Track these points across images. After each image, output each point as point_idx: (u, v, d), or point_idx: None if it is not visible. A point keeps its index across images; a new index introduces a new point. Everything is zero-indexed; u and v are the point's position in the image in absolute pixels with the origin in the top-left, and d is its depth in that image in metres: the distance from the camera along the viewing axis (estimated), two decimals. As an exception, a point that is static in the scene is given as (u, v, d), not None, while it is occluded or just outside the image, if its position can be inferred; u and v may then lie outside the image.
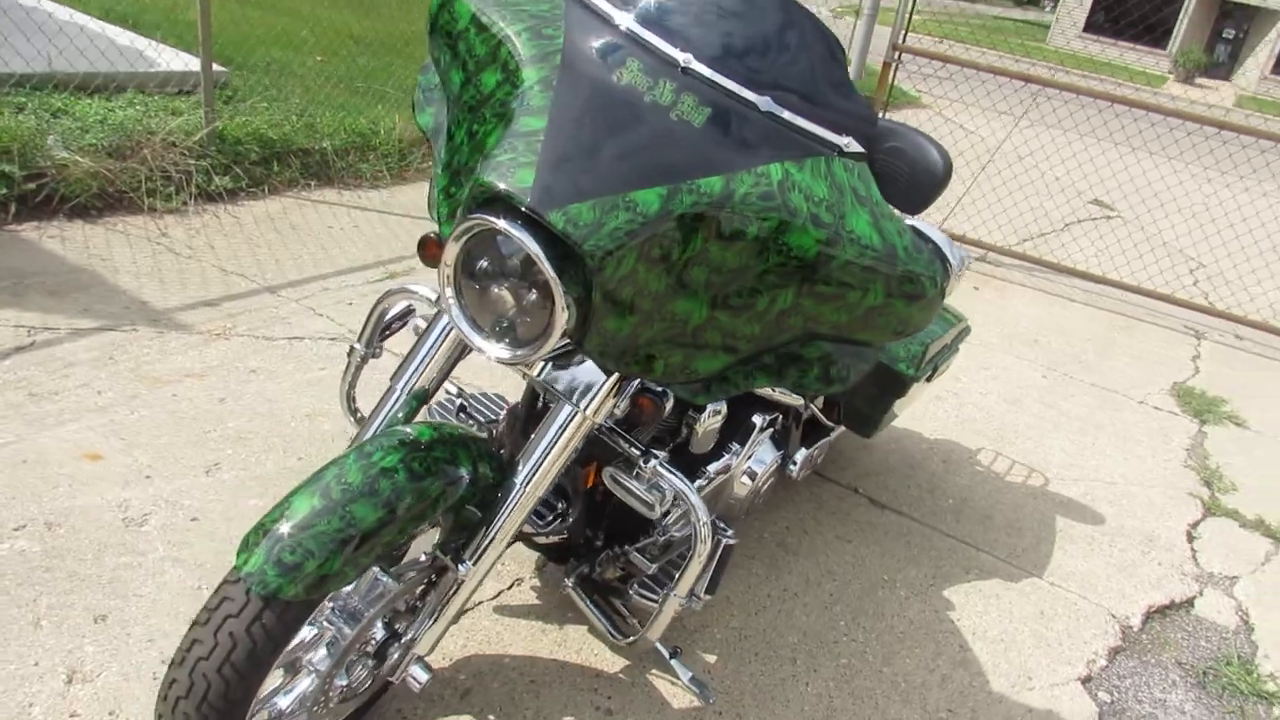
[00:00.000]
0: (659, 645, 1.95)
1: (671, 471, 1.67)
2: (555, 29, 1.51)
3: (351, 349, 1.99)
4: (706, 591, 1.84)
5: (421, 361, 1.73)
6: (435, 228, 1.65)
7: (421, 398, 1.75)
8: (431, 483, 1.47)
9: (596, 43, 1.49)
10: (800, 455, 2.40)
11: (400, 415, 1.72)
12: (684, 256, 1.38)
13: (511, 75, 1.48)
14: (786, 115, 1.43)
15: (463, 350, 1.79)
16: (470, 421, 2.12)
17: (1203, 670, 2.45)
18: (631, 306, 1.36)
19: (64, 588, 2.02)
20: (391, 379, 1.75)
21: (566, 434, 1.58)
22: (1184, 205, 7.67)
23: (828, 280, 1.41)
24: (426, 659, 1.68)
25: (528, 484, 1.58)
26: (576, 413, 1.57)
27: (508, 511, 1.58)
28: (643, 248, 1.32)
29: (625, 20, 1.50)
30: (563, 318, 1.35)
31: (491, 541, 1.58)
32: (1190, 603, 2.72)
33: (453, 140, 1.63)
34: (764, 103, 1.43)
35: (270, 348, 3.08)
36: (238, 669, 1.33)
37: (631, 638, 1.94)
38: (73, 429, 2.51)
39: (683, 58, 1.45)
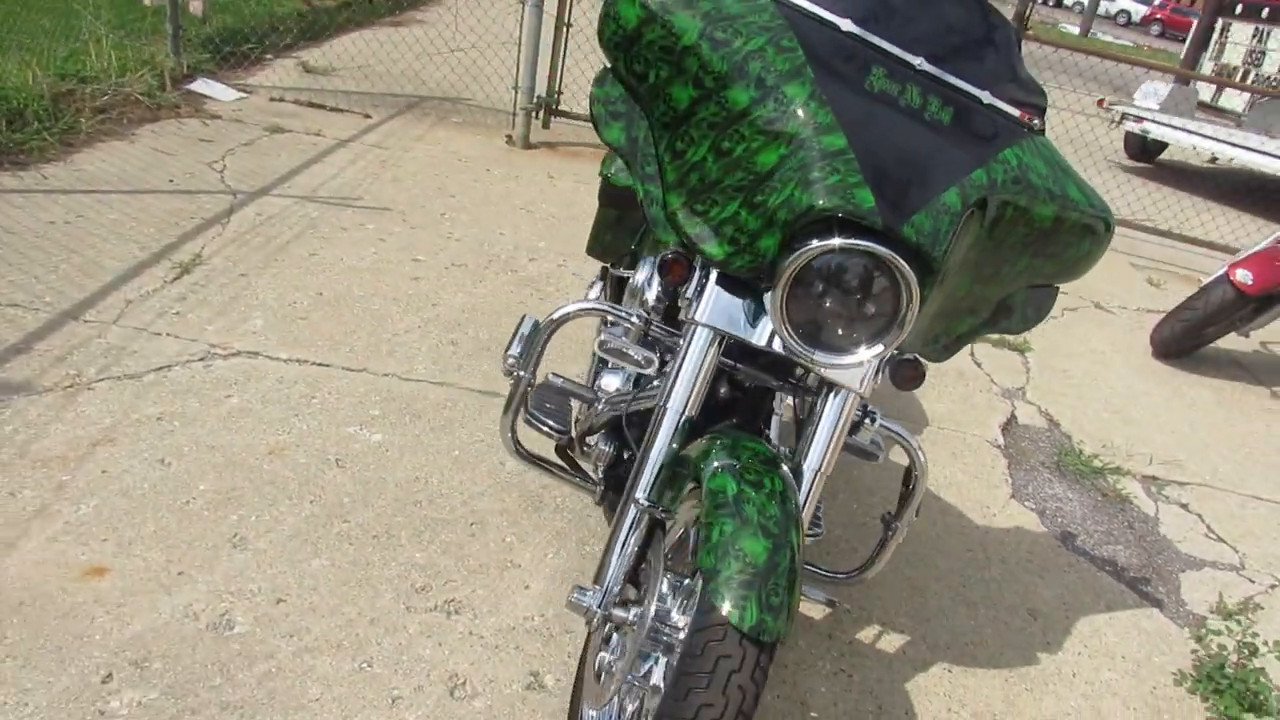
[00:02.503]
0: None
1: (894, 425, 1.89)
2: (790, 39, 1.57)
3: (518, 378, 1.90)
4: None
5: (689, 385, 1.69)
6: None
7: (691, 420, 1.72)
8: (793, 495, 1.56)
9: (835, 51, 1.59)
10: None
11: (674, 444, 1.67)
12: (968, 242, 1.61)
13: (771, 91, 1.53)
14: (1001, 105, 1.68)
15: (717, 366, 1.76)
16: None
17: (1055, 465, 3.27)
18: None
19: (232, 722, 1.75)
20: (657, 404, 1.71)
21: (844, 417, 1.72)
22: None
23: (1057, 242, 1.73)
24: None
25: (815, 474, 1.71)
26: (851, 395, 1.71)
27: (809, 503, 1.70)
28: (954, 243, 1.52)
29: (845, 23, 1.61)
30: (913, 317, 1.52)
31: None
32: (1014, 416, 3.55)
33: (682, 157, 1.64)
34: (985, 96, 1.67)
35: (148, 388, 2.61)
36: (749, 716, 1.39)
37: (864, 571, 2.08)
38: (36, 549, 2.02)
39: (916, 60, 1.61)
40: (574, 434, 2.11)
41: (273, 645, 1.92)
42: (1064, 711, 2.18)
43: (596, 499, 2.14)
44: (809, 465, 1.70)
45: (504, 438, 2.02)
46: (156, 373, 2.69)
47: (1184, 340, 4.26)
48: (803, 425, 1.82)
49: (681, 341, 1.71)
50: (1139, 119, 8.21)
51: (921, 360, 1.85)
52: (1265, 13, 10.59)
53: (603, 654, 1.71)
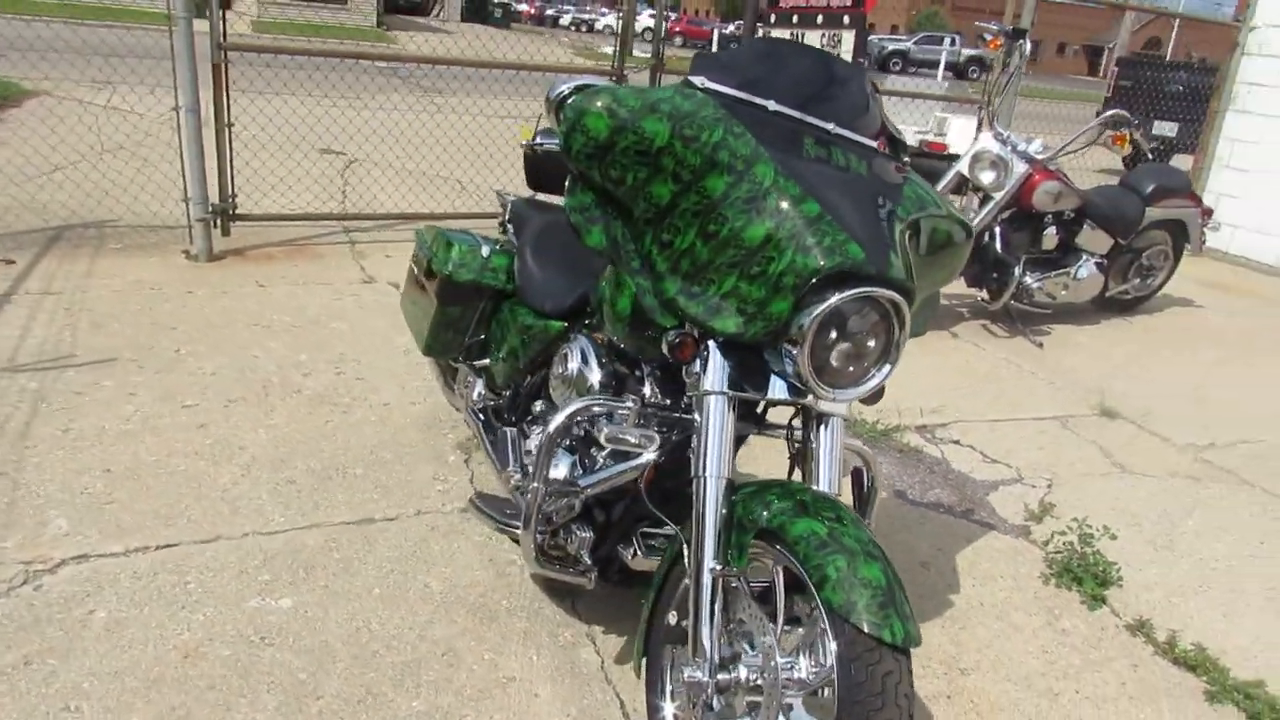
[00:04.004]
0: None
1: (851, 440, 2.13)
2: (739, 126, 1.78)
3: (533, 491, 1.89)
4: None
5: (719, 450, 1.79)
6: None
7: (731, 482, 1.81)
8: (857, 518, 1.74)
9: (770, 129, 1.81)
10: None
11: (724, 510, 1.76)
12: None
13: (743, 175, 1.73)
14: (883, 149, 2.00)
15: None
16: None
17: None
18: None
19: None
20: (696, 475, 1.79)
21: (840, 441, 1.93)
22: (389, 133, 8.65)
23: (951, 251, 2.06)
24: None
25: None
26: (841, 421, 1.92)
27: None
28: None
29: (771, 104, 1.84)
30: (905, 341, 1.79)
31: None
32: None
33: (670, 247, 1.77)
34: (875, 145, 1.97)
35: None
36: (914, 716, 1.56)
37: None
38: None
39: (830, 126, 1.88)
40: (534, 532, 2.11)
41: None
42: (995, 634, 2.57)
43: (590, 584, 2.17)
44: (822, 487, 1.89)
45: (525, 551, 2.00)
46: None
47: None
48: (797, 458, 2.01)
49: (697, 415, 1.83)
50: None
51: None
52: (795, 19, 12.41)
53: (711, 721, 1.77)
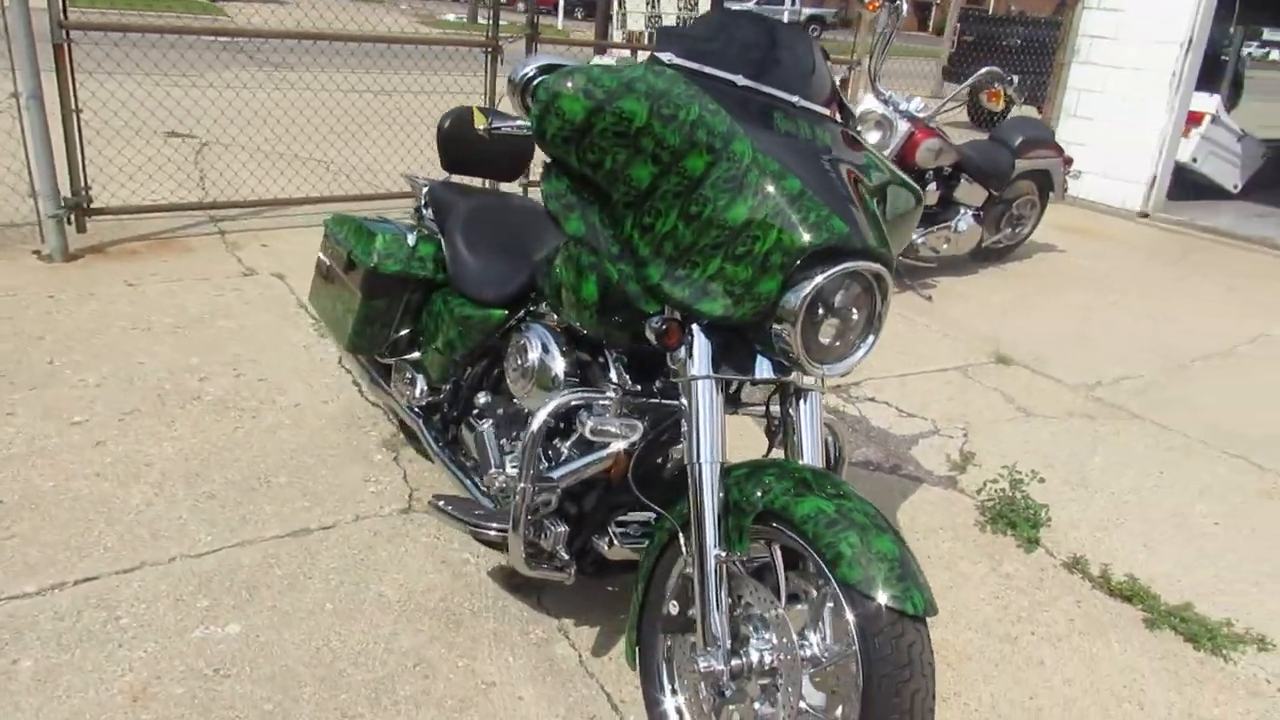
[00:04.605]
0: None
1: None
2: (713, 103, 1.73)
3: (522, 491, 1.81)
4: None
5: (711, 434, 1.75)
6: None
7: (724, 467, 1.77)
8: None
9: (741, 104, 1.78)
10: None
11: (722, 493, 1.72)
12: None
13: (721, 153, 1.68)
14: (837, 118, 1.99)
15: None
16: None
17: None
18: None
19: None
20: (690, 462, 1.75)
21: (820, 414, 1.92)
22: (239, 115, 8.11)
23: (906, 215, 2.07)
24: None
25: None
26: (819, 395, 1.91)
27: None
28: None
29: (739, 79, 1.80)
30: (888, 311, 1.80)
31: None
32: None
33: (652, 230, 1.72)
34: (835, 116, 1.96)
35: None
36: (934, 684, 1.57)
37: None
38: None
39: (795, 99, 1.85)
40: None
41: None
42: (948, 585, 2.65)
43: (570, 579, 2.11)
44: (808, 460, 1.88)
45: (514, 554, 1.92)
46: (-116, 678, 2.00)
47: None
48: (775, 435, 2.00)
49: (685, 400, 1.79)
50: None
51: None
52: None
53: (731, 708, 1.74)
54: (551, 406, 1.89)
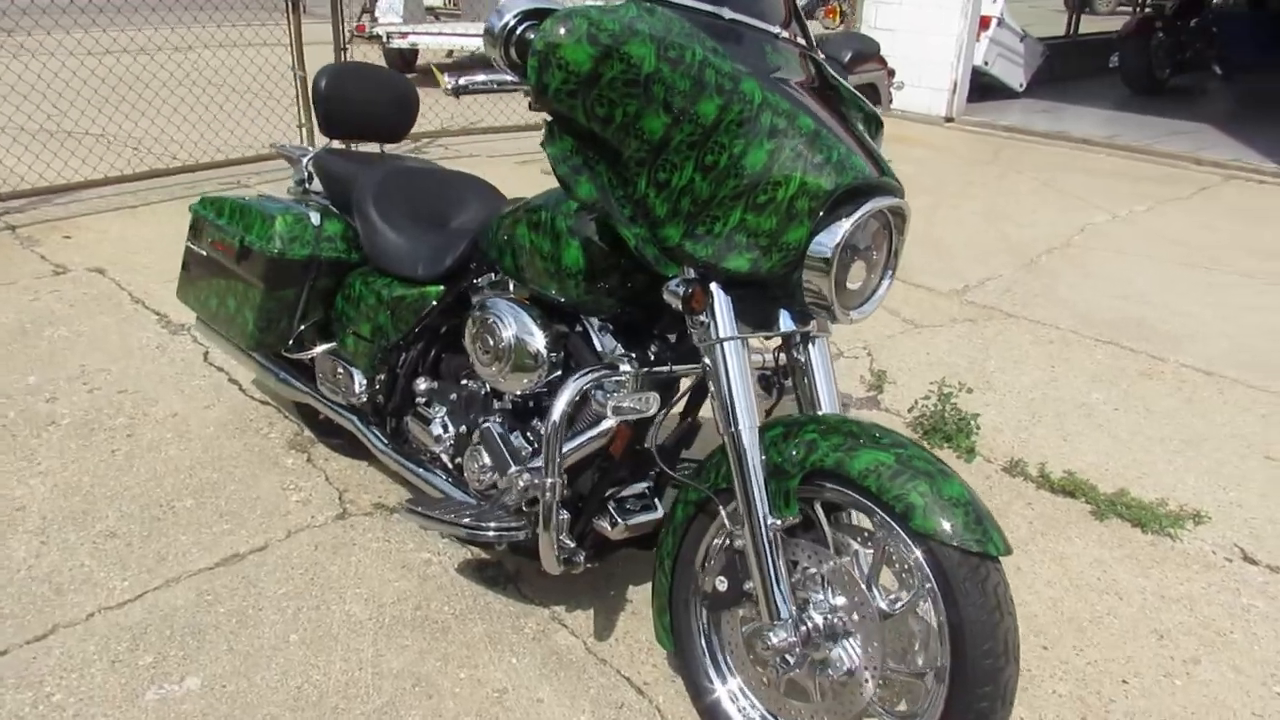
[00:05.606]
0: None
1: None
2: (710, 40, 1.60)
3: (550, 486, 1.66)
4: None
5: (745, 397, 1.64)
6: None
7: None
8: None
9: (733, 39, 1.66)
10: None
11: (763, 455, 1.63)
12: None
13: (732, 94, 1.55)
14: (814, 45, 1.89)
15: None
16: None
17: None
18: None
19: None
20: (726, 430, 1.64)
21: (830, 357, 1.84)
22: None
23: (880, 143, 2.01)
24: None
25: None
26: (828, 337, 1.83)
27: None
28: None
29: (725, 11, 1.68)
30: (903, 246, 1.75)
31: None
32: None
33: (668, 186, 1.59)
34: (813, 47, 1.86)
35: None
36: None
37: None
38: None
39: (777, 30, 1.75)
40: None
41: None
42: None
43: (580, 568, 1.97)
44: (827, 408, 1.82)
45: (546, 555, 1.76)
46: None
47: None
48: (782, 388, 1.92)
49: (709, 363, 1.68)
50: (403, 34, 8.75)
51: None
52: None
53: (803, 677, 1.67)
54: (571, 392, 1.73)
